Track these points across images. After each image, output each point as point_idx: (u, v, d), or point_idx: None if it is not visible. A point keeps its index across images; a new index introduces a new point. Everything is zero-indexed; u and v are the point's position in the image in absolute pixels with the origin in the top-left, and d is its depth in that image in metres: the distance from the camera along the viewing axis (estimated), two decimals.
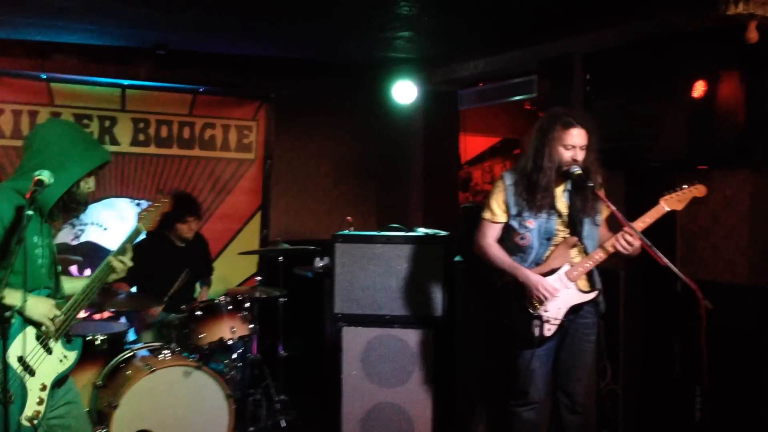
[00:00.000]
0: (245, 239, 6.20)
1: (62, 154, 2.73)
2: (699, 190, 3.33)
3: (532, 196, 3.42)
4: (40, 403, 2.72)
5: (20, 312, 2.64)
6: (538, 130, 3.47)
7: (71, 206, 2.82)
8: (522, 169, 3.51)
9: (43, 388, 2.74)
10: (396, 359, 4.35)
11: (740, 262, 3.95)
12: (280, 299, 4.86)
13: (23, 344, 2.68)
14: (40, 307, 2.70)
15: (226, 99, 6.09)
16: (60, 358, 2.82)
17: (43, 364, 2.75)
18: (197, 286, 5.27)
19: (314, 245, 5.24)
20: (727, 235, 4.02)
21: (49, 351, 2.78)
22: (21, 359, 2.67)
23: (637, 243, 3.28)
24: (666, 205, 3.33)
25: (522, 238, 3.47)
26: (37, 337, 2.74)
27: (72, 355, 2.88)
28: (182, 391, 4.06)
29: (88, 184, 2.85)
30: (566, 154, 3.38)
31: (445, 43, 5.30)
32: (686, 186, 3.33)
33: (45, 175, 2.59)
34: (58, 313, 2.75)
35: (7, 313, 2.52)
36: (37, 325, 2.73)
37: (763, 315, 3.79)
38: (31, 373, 2.70)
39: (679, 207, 3.34)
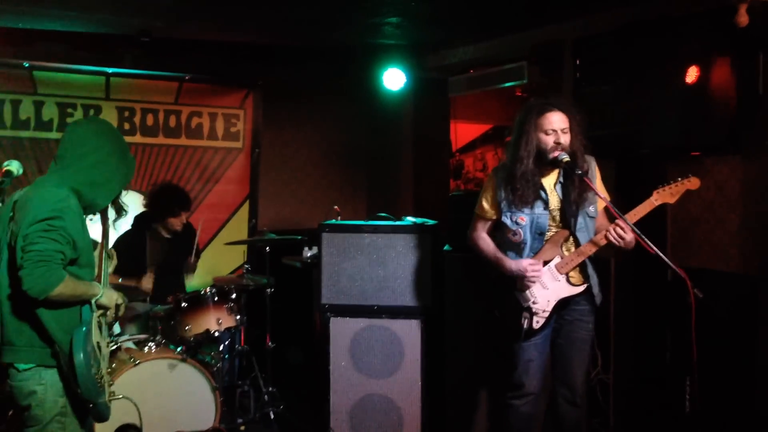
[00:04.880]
0: (233, 229, 6.14)
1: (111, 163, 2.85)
2: (692, 183, 3.25)
3: (514, 188, 3.35)
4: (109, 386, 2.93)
5: (98, 301, 2.82)
6: (515, 122, 3.44)
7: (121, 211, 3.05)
8: (505, 162, 3.48)
9: (106, 372, 2.93)
10: (384, 350, 4.31)
11: (731, 250, 3.91)
12: (268, 290, 4.81)
13: (96, 332, 2.82)
14: (113, 295, 2.90)
15: (212, 87, 6.00)
16: (107, 343, 2.98)
17: (105, 349, 2.92)
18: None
19: (303, 235, 5.18)
20: (718, 222, 3.97)
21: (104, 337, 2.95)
22: (99, 346, 2.82)
23: (629, 236, 3.19)
24: (659, 198, 3.25)
25: (514, 234, 3.40)
26: (99, 326, 2.88)
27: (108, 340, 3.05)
28: (168, 384, 4.02)
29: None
30: (548, 140, 3.32)
31: (434, 28, 5.23)
32: (680, 179, 3.25)
33: (14, 166, 2.75)
34: (121, 301, 2.95)
35: (92, 302, 2.76)
36: (105, 312, 2.89)
37: (753, 303, 3.76)
38: (103, 358, 2.88)
39: (672, 200, 3.26)
